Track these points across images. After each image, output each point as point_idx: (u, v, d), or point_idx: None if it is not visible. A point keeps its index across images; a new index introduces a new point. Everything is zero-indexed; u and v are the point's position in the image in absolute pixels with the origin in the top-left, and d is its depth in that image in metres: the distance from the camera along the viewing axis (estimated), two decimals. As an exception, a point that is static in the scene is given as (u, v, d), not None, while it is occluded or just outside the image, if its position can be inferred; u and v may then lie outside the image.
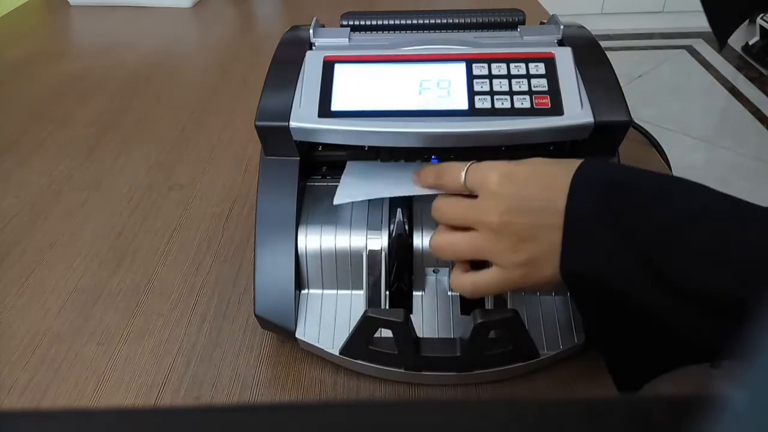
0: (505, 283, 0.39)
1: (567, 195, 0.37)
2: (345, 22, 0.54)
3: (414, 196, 0.45)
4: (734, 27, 0.47)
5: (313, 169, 0.51)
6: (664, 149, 0.70)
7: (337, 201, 0.46)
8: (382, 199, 0.48)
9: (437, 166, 0.43)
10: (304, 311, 0.47)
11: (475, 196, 0.40)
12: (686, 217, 0.34)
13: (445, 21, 0.53)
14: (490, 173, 0.39)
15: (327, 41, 0.51)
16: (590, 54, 0.47)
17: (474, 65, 0.46)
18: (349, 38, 0.51)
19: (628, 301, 0.37)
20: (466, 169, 0.41)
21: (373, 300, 0.46)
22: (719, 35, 0.46)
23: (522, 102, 0.44)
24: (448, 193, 0.42)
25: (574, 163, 0.38)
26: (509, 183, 0.38)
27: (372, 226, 0.46)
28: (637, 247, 0.35)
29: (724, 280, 0.33)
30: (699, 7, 0.50)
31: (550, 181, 0.38)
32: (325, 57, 0.47)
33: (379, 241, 0.46)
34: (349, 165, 0.49)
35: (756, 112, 2.28)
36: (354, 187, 0.47)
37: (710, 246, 0.34)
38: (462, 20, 0.53)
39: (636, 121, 0.55)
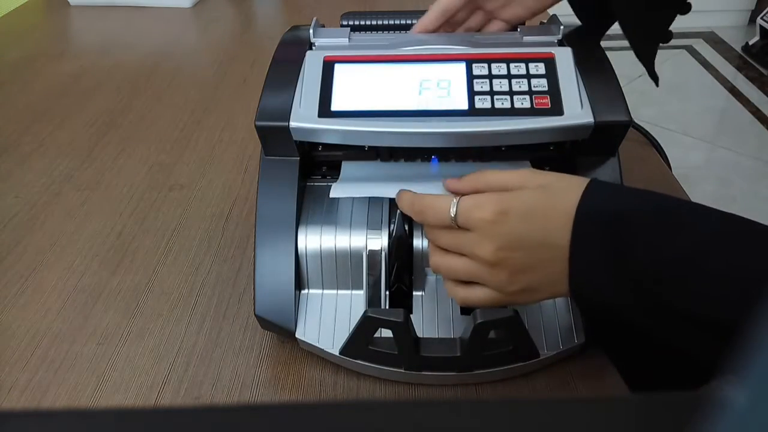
0: (497, 302, 0.40)
1: (569, 233, 0.36)
2: (345, 22, 0.54)
3: None
4: (654, 54, 0.50)
5: (313, 169, 0.51)
6: (664, 149, 0.70)
7: (333, 194, 0.45)
8: (382, 199, 0.48)
9: (420, 202, 0.41)
10: (304, 311, 0.47)
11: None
12: (688, 249, 0.34)
13: (445, 21, 0.53)
14: (482, 211, 0.38)
15: (327, 41, 0.51)
16: (590, 54, 0.47)
17: (474, 65, 0.46)
18: (349, 38, 0.51)
19: (636, 325, 0.37)
20: (455, 206, 0.39)
21: (373, 300, 0.46)
22: (644, 61, 0.48)
23: (522, 102, 0.44)
24: None
25: (569, 194, 0.37)
26: (503, 221, 0.37)
27: (372, 226, 0.46)
28: (641, 279, 0.34)
29: (727, 308, 0.32)
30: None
31: (546, 216, 0.37)
32: (325, 57, 0.47)
33: (379, 241, 0.46)
34: (346, 164, 0.49)
35: (756, 112, 2.28)
36: (352, 183, 0.47)
37: (712, 275, 0.33)
38: (462, 20, 0.53)
39: (636, 121, 0.55)
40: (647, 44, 0.50)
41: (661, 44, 0.51)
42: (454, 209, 0.39)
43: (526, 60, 0.46)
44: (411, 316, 0.43)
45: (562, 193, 0.37)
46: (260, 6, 1.16)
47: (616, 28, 0.52)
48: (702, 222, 0.35)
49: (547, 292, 0.39)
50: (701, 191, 1.88)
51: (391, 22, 0.53)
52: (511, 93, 0.44)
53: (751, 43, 2.62)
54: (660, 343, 0.38)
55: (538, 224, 0.37)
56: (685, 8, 0.49)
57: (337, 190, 0.46)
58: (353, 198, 0.49)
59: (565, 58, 0.46)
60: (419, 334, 0.43)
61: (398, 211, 0.45)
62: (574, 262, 0.36)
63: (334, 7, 1.09)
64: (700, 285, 0.33)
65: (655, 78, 0.51)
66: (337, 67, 0.47)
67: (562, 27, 0.50)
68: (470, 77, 0.45)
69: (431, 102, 0.45)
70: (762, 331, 0.13)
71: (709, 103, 2.36)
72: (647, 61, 0.50)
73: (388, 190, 0.45)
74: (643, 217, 0.35)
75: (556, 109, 0.44)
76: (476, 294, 0.41)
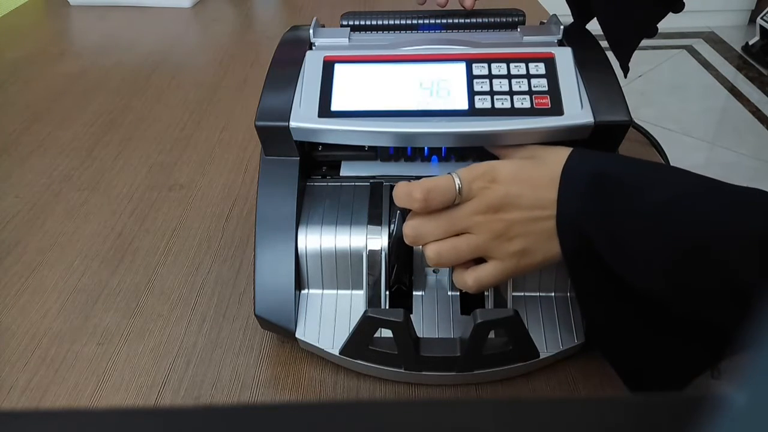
0: (504, 273, 0.41)
1: (557, 192, 0.39)
2: (345, 22, 0.54)
3: None
4: (633, 48, 0.52)
5: (313, 169, 0.51)
6: (664, 149, 0.70)
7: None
8: (382, 199, 0.48)
9: (421, 186, 0.39)
10: (304, 311, 0.47)
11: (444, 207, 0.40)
12: (662, 206, 0.37)
13: (445, 21, 0.53)
14: (479, 180, 0.40)
15: (327, 41, 0.51)
16: (590, 54, 0.47)
17: (474, 65, 0.46)
18: (349, 38, 0.51)
19: (623, 282, 0.39)
20: (458, 179, 0.40)
21: (373, 300, 0.46)
22: (620, 58, 0.49)
23: (522, 102, 0.44)
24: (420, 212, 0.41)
25: (555, 159, 0.40)
26: (495, 187, 0.40)
27: (372, 226, 0.46)
28: (617, 228, 0.38)
29: (698, 257, 0.35)
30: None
31: (534, 180, 0.40)
32: (325, 57, 0.47)
33: (379, 241, 0.46)
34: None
35: (756, 112, 2.28)
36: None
37: (684, 225, 0.36)
38: (462, 20, 0.53)
39: (636, 121, 0.55)
40: (627, 38, 0.51)
41: (655, 42, 0.51)
42: (458, 181, 0.40)
43: (526, 60, 0.46)
44: (411, 316, 0.43)
45: (549, 159, 0.41)
46: (260, 6, 1.16)
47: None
48: (676, 178, 0.39)
49: (541, 253, 0.40)
50: (701, 191, 1.88)
51: (391, 22, 0.53)
52: (511, 93, 0.45)
53: (751, 43, 2.62)
54: (639, 305, 0.40)
55: (528, 187, 0.40)
56: (678, 6, 0.49)
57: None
58: (353, 197, 0.49)
59: (565, 58, 0.46)
60: (419, 334, 0.43)
61: (398, 210, 0.45)
62: (561, 215, 0.39)
63: (334, 7, 1.09)
64: (670, 234, 0.36)
65: (625, 70, 0.52)
66: (337, 67, 0.47)
67: (562, 27, 0.50)
68: (470, 77, 0.46)
69: (431, 102, 0.45)
70: (762, 331, 0.13)
71: (709, 103, 2.36)
72: (623, 54, 0.51)
73: (396, 169, 0.47)
74: (623, 173, 0.39)
75: (556, 109, 0.44)
76: (485, 270, 0.41)
